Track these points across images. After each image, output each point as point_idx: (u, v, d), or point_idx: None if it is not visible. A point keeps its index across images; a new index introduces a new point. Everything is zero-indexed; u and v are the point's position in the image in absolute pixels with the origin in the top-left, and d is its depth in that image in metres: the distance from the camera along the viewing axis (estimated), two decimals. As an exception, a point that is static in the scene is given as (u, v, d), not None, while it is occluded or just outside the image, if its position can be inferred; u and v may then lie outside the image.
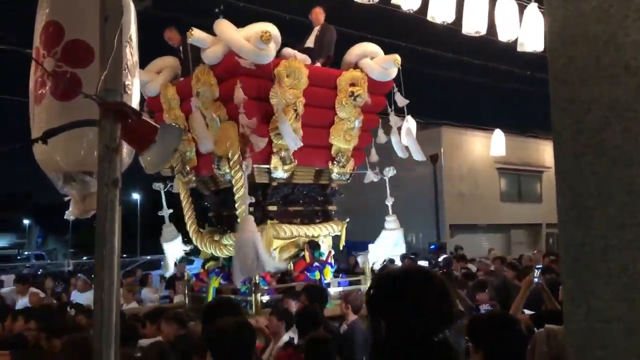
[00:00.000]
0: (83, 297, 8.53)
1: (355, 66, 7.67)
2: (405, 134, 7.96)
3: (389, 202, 7.97)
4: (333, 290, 6.99)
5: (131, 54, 3.35)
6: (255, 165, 6.92)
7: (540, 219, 21.30)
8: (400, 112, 8.06)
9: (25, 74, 3.74)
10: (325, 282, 7.04)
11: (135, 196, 39.27)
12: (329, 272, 7.27)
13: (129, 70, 3.60)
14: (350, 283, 7.41)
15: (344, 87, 7.41)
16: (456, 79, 19.90)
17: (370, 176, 8.10)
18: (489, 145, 15.67)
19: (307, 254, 7.21)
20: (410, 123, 8.15)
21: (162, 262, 11.77)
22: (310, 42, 7.75)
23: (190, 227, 7.83)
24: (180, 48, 7.85)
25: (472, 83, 19.96)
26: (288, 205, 7.54)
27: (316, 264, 7.12)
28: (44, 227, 49.82)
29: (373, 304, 1.68)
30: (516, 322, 2.71)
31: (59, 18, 3.09)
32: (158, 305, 7.69)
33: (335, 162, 7.61)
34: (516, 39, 7.44)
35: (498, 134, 15.04)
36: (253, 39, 6.46)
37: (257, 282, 6.50)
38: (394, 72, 7.66)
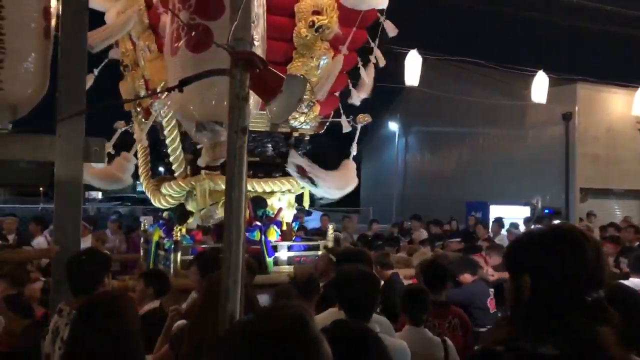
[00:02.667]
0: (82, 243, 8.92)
1: None
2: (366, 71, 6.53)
3: (353, 151, 6.72)
4: (282, 256, 6.16)
5: (258, 5, 3.42)
6: None
7: (687, 186, 19.42)
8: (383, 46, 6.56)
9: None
10: (271, 244, 6.12)
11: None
12: (273, 233, 6.24)
13: (256, 23, 3.67)
14: (309, 248, 6.38)
15: (304, 15, 5.92)
16: (596, 30, 18.22)
17: (345, 124, 6.80)
18: (631, 104, 14.32)
19: (248, 210, 6.17)
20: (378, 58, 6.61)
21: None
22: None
23: (142, 173, 6.92)
24: None
25: (614, 34, 18.19)
26: None
27: (257, 223, 6.13)
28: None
29: (520, 260, 1.62)
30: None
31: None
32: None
33: None
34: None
35: (643, 91, 13.70)
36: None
37: (179, 238, 5.77)
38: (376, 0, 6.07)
